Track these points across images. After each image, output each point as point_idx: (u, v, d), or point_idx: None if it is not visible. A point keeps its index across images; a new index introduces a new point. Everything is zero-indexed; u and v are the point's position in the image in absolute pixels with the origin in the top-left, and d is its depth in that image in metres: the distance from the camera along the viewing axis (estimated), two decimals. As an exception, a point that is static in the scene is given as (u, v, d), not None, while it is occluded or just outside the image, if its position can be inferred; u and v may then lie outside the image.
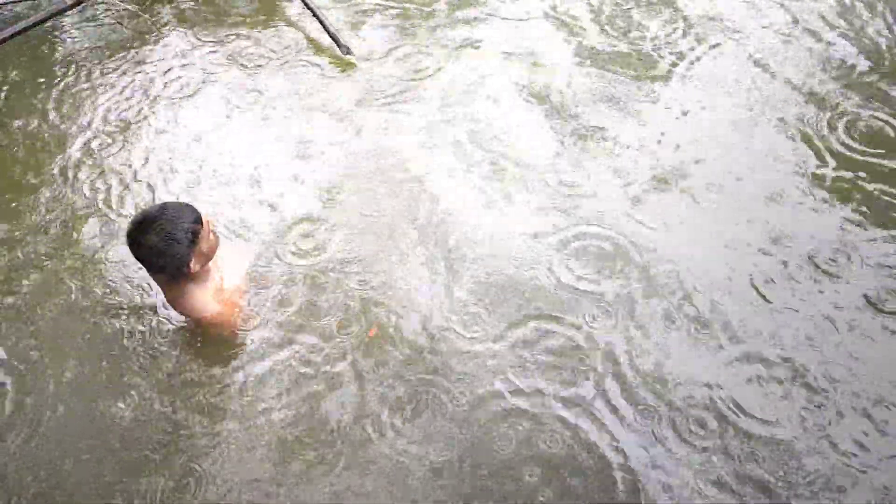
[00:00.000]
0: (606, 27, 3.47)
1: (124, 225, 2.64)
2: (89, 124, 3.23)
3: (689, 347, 2.38)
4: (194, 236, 2.20)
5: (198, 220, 2.22)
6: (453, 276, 2.60)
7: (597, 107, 3.15)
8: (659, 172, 2.91)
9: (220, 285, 2.45)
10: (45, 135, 3.19)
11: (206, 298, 2.36)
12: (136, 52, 3.52)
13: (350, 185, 2.92)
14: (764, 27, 3.41)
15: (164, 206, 2.21)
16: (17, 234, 2.80)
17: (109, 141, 3.16)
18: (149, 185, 2.98)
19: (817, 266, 2.54)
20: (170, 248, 2.14)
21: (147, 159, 3.08)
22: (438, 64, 3.39)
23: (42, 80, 3.43)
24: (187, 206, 2.24)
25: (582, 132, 3.05)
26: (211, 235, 2.29)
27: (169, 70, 3.44)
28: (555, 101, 3.17)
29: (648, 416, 2.26)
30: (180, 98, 3.33)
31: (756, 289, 2.52)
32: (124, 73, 3.43)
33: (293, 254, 2.69)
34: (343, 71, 3.41)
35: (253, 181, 2.97)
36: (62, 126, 3.22)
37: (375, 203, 2.84)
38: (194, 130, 3.18)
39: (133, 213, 2.79)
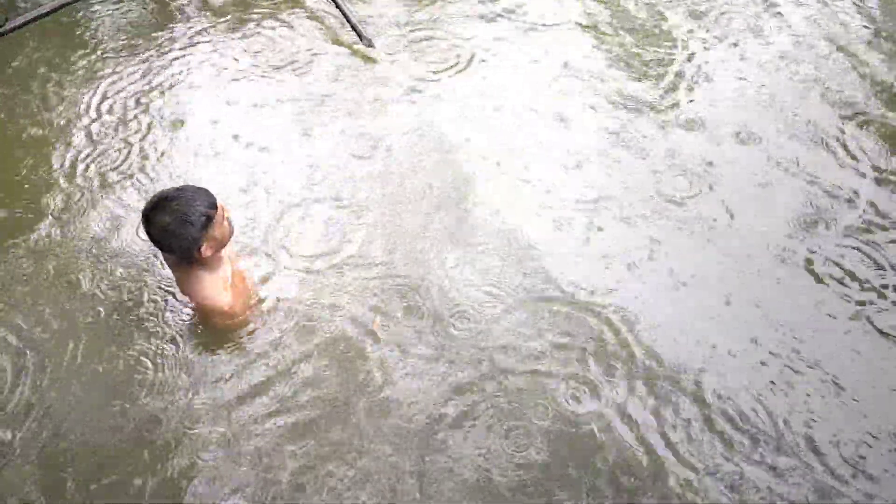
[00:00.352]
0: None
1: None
2: (109, 109, 3.25)
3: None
4: (208, 221, 2.22)
5: (213, 205, 2.24)
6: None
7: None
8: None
9: (231, 276, 2.45)
10: (62, 118, 3.21)
11: (216, 286, 2.37)
12: (159, 39, 3.52)
13: (376, 185, 2.92)
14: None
15: (182, 188, 2.25)
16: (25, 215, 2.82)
17: (129, 127, 3.17)
18: (165, 173, 3.00)
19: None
20: (181, 230, 2.18)
21: (162, 150, 3.09)
22: (461, 56, 3.35)
23: (64, 62, 3.44)
24: (204, 190, 2.26)
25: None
26: (225, 223, 2.31)
27: (190, 58, 3.46)
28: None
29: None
30: (200, 86, 3.33)
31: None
32: (147, 59, 3.44)
33: (304, 256, 2.70)
34: (365, 63, 3.38)
35: (269, 173, 2.98)
36: (77, 110, 3.24)
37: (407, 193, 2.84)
38: (215, 119, 3.19)
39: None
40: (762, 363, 2.38)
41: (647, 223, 2.75)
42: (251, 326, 2.48)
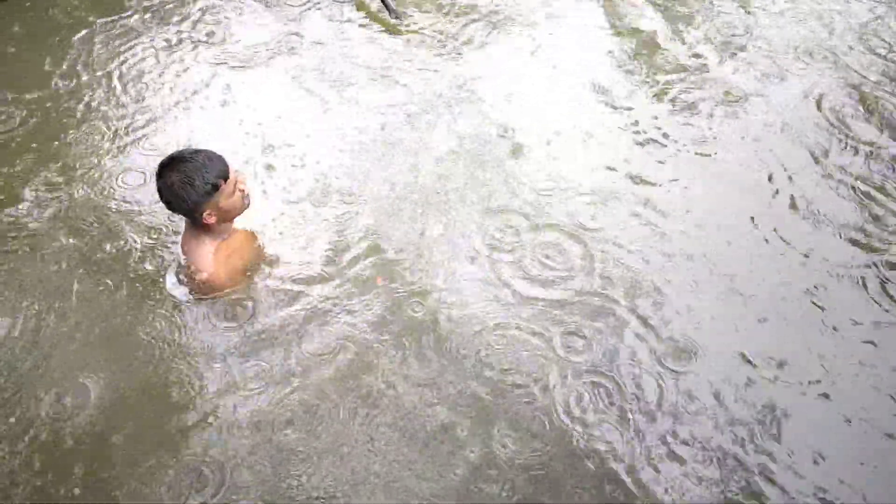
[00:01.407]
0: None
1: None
2: (130, 77, 3.23)
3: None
4: (214, 189, 2.26)
5: (223, 174, 2.28)
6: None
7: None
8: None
9: (231, 249, 2.46)
10: (80, 89, 3.18)
11: (206, 252, 2.40)
12: (180, 13, 3.48)
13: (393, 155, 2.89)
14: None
15: (199, 151, 2.29)
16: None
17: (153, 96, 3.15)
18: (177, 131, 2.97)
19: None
20: (183, 192, 2.23)
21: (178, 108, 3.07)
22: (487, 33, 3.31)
23: (69, 31, 3.41)
24: (220, 159, 2.30)
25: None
26: (236, 195, 2.35)
27: (208, 26, 3.43)
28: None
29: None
30: (221, 61, 3.29)
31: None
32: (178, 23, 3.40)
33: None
34: (392, 36, 3.32)
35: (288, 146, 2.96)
36: (94, 76, 3.22)
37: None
38: (238, 91, 3.16)
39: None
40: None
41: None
42: (235, 296, 2.48)
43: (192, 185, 2.22)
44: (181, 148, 2.49)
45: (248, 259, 2.54)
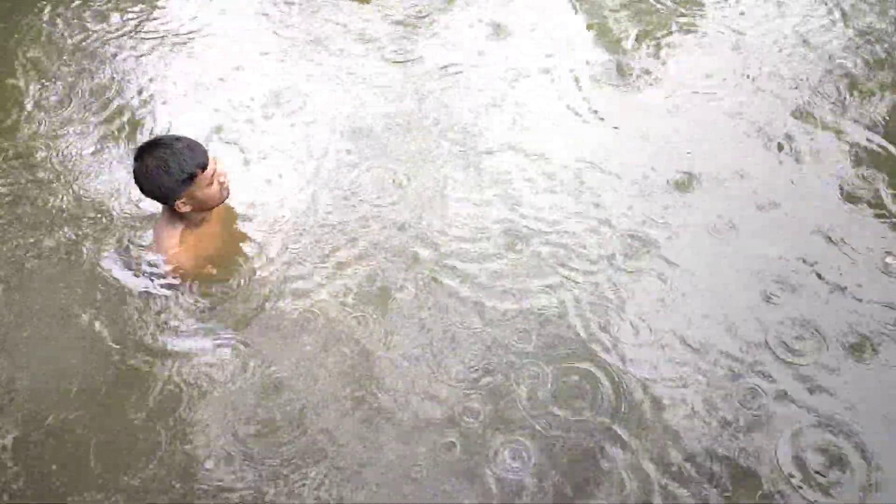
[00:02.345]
0: None
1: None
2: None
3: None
4: (190, 178, 2.25)
5: (201, 164, 2.26)
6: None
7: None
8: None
9: (201, 237, 2.44)
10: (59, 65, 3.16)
11: (173, 237, 2.40)
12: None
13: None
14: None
15: (179, 138, 2.28)
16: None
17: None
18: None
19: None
20: (157, 178, 2.22)
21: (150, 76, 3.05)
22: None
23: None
24: (200, 148, 2.28)
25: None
26: (214, 185, 2.33)
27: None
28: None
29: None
30: (187, 38, 3.28)
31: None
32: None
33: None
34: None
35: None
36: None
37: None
38: (207, 70, 3.15)
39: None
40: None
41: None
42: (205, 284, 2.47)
43: (167, 171, 2.20)
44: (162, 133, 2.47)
45: (219, 247, 2.51)
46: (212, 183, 2.32)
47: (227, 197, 2.44)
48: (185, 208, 2.32)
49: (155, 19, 3.32)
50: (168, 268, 2.42)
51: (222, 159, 2.42)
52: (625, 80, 3.08)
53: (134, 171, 2.27)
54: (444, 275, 2.49)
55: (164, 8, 3.38)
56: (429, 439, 2.13)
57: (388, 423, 2.18)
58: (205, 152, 2.28)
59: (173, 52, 3.20)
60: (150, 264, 2.46)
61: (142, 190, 2.30)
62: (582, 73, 3.10)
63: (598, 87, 3.05)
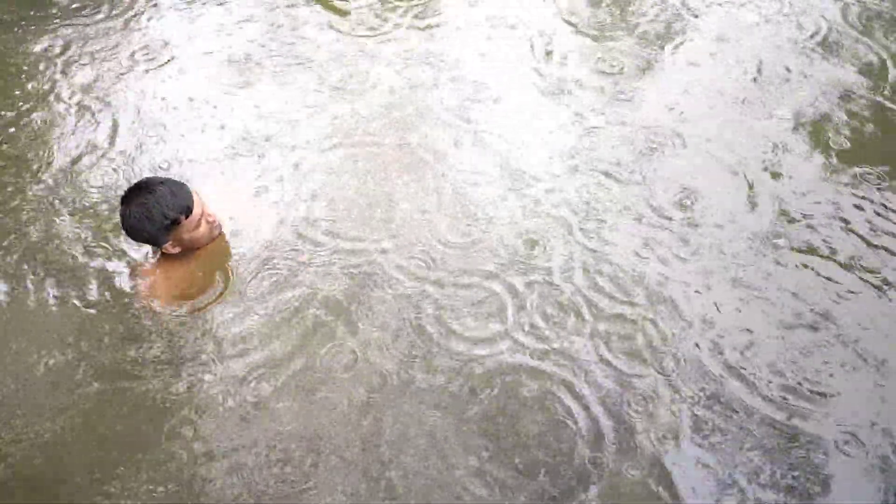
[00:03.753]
0: None
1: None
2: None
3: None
4: (173, 224, 2.25)
5: (185, 209, 2.25)
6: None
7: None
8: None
9: (183, 274, 2.41)
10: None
11: (157, 278, 2.39)
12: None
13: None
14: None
15: (164, 182, 2.26)
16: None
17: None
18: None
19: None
20: (141, 225, 2.23)
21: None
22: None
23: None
24: (183, 191, 2.27)
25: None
26: (202, 227, 2.33)
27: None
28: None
29: None
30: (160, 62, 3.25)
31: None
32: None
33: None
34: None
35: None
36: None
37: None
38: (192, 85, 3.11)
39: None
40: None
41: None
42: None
43: (150, 218, 2.20)
44: (149, 175, 2.45)
45: (198, 279, 2.43)
46: (199, 225, 2.31)
47: (218, 234, 2.43)
48: (175, 250, 2.33)
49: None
50: (142, 297, 2.38)
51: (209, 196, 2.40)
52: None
53: (120, 216, 2.27)
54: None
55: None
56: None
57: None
58: (189, 195, 2.27)
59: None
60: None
61: (127, 235, 2.30)
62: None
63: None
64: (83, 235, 2.55)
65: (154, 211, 2.18)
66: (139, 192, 2.22)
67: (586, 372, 2.22)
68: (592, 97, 3.00)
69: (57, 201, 2.65)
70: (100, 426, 2.13)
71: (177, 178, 2.37)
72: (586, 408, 2.15)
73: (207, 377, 2.22)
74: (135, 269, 2.41)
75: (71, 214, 2.61)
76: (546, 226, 2.58)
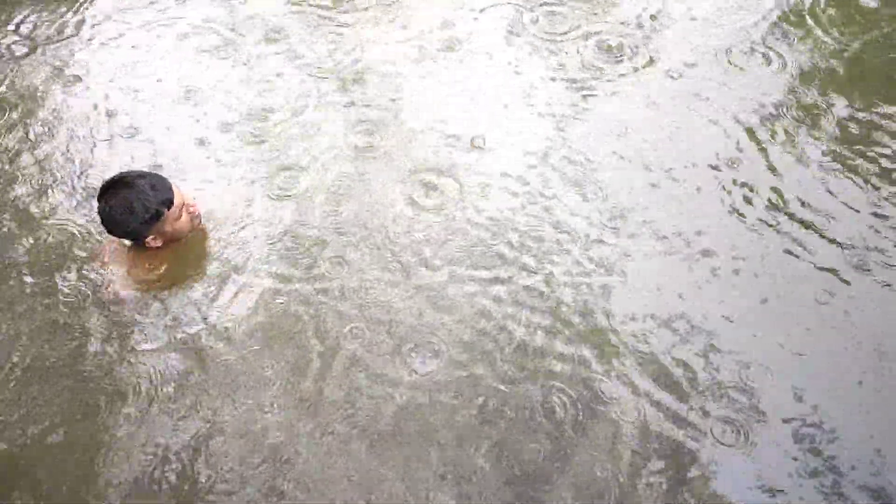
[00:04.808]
0: None
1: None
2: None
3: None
4: (155, 217, 2.23)
5: (166, 201, 2.24)
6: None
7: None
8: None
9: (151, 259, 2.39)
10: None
11: (129, 271, 2.37)
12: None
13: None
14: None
15: (143, 175, 2.25)
16: None
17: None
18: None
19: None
20: (123, 220, 2.20)
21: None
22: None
23: None
24: (163, 184, 2.25)
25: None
26: (183, 218, 2.32)
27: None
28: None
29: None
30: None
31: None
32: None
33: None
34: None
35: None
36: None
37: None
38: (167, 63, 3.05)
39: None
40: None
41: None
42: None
43: (132, 212, 2.17)
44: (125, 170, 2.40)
45: (170, 269, 2.42)
46: (180, 216, 2.30)
47: (199, 224, 2.42)
48: (156, 244, 2.31)
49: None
50: (111, 288, 2.36)
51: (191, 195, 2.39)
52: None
53: (98, 212, 2.23)
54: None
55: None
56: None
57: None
58: (169, 188, 2.25)
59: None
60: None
61: (107, 230, 2.26)
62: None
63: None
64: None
65: (136, 205, 2.16)
66: (118, 187, 2.19)
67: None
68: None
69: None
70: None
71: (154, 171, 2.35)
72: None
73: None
74: (99, 257, 2.37)
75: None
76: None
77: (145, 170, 2.41)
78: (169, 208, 2.22)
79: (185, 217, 2.31)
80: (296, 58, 3.04)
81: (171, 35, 3.14)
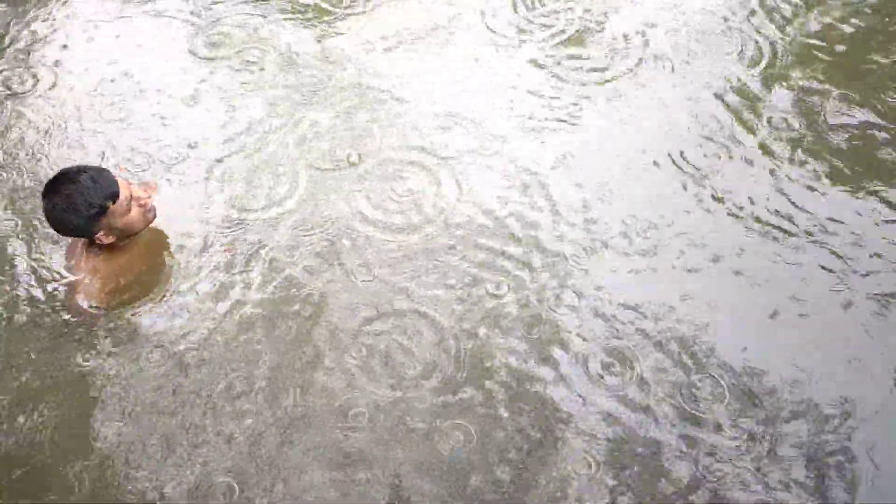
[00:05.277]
0: None
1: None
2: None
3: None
4: (101, 211, 2.17)
5: (111, 195, 2.18)
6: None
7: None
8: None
9: (117, 269, 2.36)
10: None
11: (89, 270, 2.33)
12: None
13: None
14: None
15: (84, 170, 2.19)
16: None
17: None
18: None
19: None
20: (67, 217, 2.15)
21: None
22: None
23: None
24: (106, 177, 2.19)
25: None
26: (134, 210, 2.26)
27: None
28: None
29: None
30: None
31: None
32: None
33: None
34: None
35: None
36: None
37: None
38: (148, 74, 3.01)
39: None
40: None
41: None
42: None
43: (74, 208, 2.12)
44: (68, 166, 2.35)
45: (137, 273, 2.41)
46: (129, 210, 2.24)
47: (154, 219, 2.35)
48: (108, 240, 2.25)
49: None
50: (75, 297, 2.32)
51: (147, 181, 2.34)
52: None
53: (44, 212, 2.18)
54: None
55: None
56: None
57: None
58: (114, 181, 2.19)
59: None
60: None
61: (55, 230, 2.22)
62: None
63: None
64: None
65: (78, 201, 2.11)
66: (60, 184, 2.14)
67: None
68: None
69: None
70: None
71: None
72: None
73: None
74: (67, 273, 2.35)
75: None
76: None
77: (89, 164, 2.35)
78: (114, 202, 2.16)
79: (135, 210, 2.25)
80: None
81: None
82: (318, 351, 2.25)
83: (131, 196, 2.24)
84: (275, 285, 2.38)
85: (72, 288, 2.33)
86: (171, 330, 2.29)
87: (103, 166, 2.31)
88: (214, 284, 2.38)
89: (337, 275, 2.40)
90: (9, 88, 2.94)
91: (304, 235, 2.50)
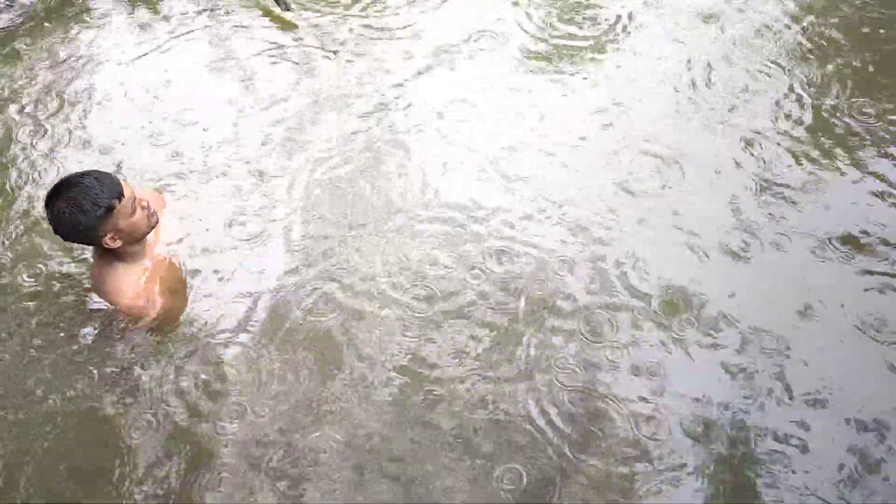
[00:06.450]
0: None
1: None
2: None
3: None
4: (108, 210, 2.16)
5: (116, 194, 2.17)
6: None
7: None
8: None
9: (153, 274, 2.39)
10: None
11: (126, 281, 2.32)
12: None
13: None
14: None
15: (85, 173, 2.20)
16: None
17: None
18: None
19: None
20: (74, 220, 2.13)
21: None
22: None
23: None
24: (110, 178, 2.20)
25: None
26: (138, 213, 2.25)
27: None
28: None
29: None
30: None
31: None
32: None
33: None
34: (282, 30, 3.21)
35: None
36: None
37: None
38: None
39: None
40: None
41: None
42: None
43: (81, 209, 2.11)
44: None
45: (171, 284, 2.44)
46: (134, 210, 2.23)
47: (157, 222, 2.35)
48: (116, 243, 2.23)
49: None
50: (127, 307, 2.33)
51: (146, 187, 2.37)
52: None
53: (49, 220, 2.17)
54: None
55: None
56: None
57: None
58: (117, 181, 2.20)
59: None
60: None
61: (62, 237, 2.21)
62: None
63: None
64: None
65: (84, 201, 2.11)
66: (62, 189, 2.14)
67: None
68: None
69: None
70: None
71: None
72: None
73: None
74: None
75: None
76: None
77: (87, 168, 2.35)
78: (120, 200, 2.16)
79: (139, 212, 2.25)
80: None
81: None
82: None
83: (134, 197, 2.24)
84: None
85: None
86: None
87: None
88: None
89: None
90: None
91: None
